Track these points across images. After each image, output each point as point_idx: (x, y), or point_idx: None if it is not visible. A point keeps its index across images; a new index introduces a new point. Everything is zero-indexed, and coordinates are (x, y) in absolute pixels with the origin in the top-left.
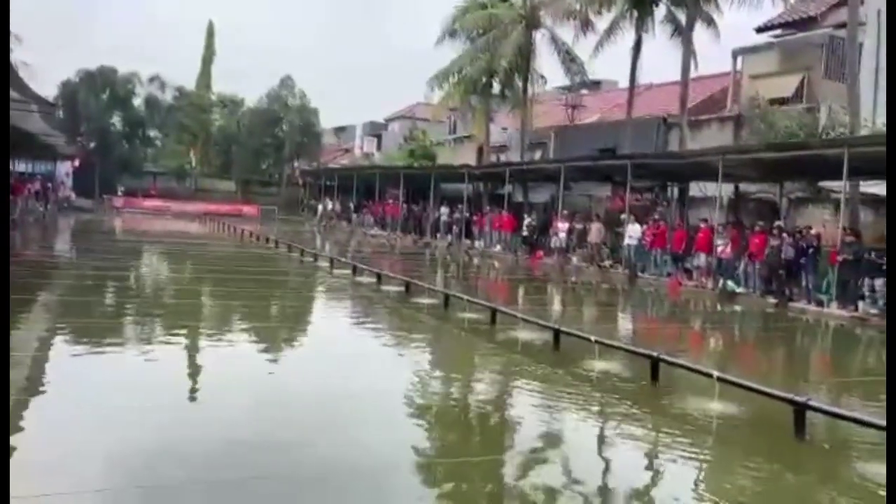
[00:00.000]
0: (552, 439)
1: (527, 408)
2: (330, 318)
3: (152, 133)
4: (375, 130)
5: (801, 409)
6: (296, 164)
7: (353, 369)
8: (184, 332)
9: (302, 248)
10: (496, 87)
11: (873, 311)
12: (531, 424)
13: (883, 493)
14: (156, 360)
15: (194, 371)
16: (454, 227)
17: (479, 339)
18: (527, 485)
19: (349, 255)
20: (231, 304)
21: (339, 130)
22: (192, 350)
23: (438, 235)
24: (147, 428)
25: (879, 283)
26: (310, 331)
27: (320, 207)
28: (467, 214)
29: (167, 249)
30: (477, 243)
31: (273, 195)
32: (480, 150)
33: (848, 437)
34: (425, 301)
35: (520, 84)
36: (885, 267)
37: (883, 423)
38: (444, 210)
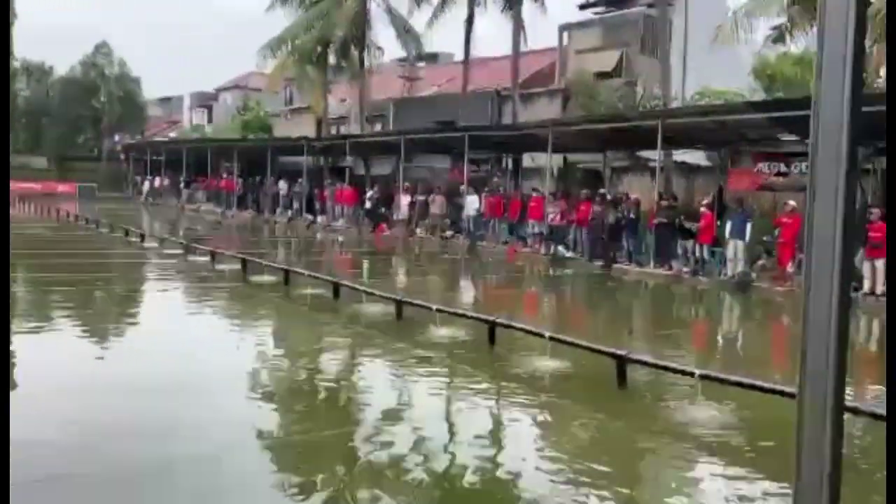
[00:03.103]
0: (395, 408)
1: (370, 378)
2: (160, 303)
3: None
4: (205, 101)
5: (621, 362)
6: (117, 137)
7: (188, 354)
8: None
9: (126, 227)
10: (332, 58)
11: (686, 269)
12: (374, 395)
13: (692, 432)
14: None
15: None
16: (294, 202)
17: (321, 315)
18: (372, 454)
19: (180, 234)
20: (45, 292)
21: (165, 101)
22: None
23: (278, 211)
24: None
25: (690, 243)
26: (138, 317)
27: (146, 184)
28: (308, 188)
29: None
30: (319, 218)
31: (93, 171)
32: (319, 123)
33: (665, 385)
34: (265, 279)
35: (356, 55)
36: (693, 230)
37: (694, 370)
38: (283, 184)
